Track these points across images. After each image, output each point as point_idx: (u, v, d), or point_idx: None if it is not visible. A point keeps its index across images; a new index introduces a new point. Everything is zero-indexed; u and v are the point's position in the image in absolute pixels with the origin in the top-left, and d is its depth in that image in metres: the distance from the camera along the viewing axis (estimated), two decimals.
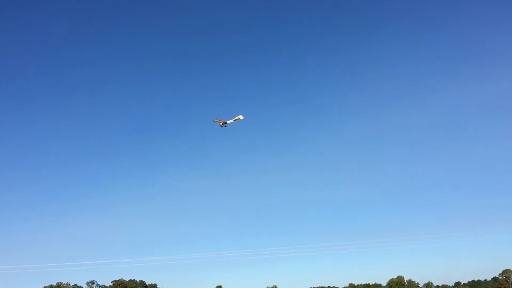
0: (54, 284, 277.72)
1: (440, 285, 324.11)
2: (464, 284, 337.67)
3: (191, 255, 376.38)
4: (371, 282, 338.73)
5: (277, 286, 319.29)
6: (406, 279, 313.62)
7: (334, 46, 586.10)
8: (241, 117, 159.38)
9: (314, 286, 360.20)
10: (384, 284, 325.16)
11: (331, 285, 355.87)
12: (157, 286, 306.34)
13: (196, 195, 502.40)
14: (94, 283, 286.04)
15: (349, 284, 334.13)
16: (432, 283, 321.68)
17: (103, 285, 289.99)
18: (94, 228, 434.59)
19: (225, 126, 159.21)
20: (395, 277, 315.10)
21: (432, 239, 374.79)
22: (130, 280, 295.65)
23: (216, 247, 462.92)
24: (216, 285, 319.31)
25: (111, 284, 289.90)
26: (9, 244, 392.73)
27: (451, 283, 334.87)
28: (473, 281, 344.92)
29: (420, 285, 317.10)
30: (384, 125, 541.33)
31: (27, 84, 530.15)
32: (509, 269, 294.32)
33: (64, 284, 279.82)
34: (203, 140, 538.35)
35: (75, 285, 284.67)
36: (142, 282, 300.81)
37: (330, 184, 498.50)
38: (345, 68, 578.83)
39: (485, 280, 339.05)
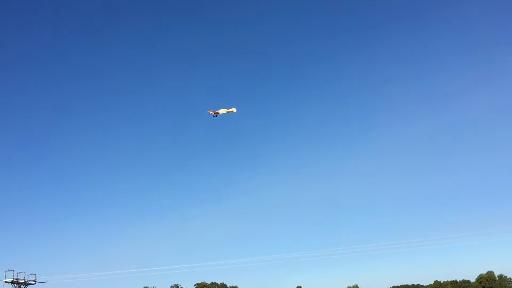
0: None
1: None
2: None
3: (270, 256, 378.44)
4: (459, 279, 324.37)
5: (358, 285, 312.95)
6: (496, 274, 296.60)
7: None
8: (234, 109, 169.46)
9: (396, 285, 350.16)
10: (473, 280, 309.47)
11: (415, 283, 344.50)
12: None
13: (273, 195, 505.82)
14: (178, 287, 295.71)
15: (434, 281, 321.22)
16: None
17: None
18: (176, 232, 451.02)
19: (216, 116, 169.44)
20: (484, 272, 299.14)
21: None
22: (212, 282, 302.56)
23: (296, 247, 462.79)
24: (296, 286, 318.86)
25: (194, 287, 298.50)
26: (97, 251, 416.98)
27: None
28: None
29: None
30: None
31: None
32: None
33: None
34: (271, 138, 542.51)
35: None
36: (223, 285, 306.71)
37: (407, 178, 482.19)
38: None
39: None
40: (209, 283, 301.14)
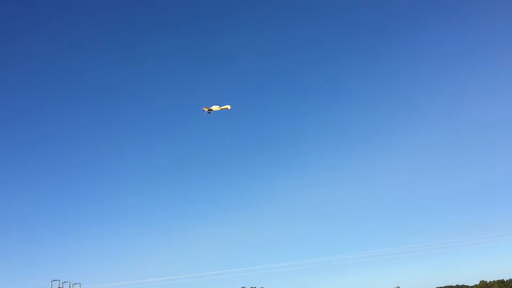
0: None
1: None
2: None
3: (307, 260, 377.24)
4: (506, 278, 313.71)
5: (400, 287, 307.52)
6: None
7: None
8: (228, 106, 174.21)
9: (440, 286, 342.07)
10: None
11: (460, 284, 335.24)
12: None
13: (307, 200, 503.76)
14: None
15: (480, 281, 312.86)
16: None
17: None
18: (214, 240, 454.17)
19: (209, 113, 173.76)
20: None
21: None
22: None
23: (332, 251, 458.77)
24: None
25: None
26: (130, 261, 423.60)
27: None
28: None
29: None
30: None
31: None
32: None
33: None
34: (301, 144, 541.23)
35: None
36: None
37: (448, 177, 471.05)
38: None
39: None
40: (248, 287, 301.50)
